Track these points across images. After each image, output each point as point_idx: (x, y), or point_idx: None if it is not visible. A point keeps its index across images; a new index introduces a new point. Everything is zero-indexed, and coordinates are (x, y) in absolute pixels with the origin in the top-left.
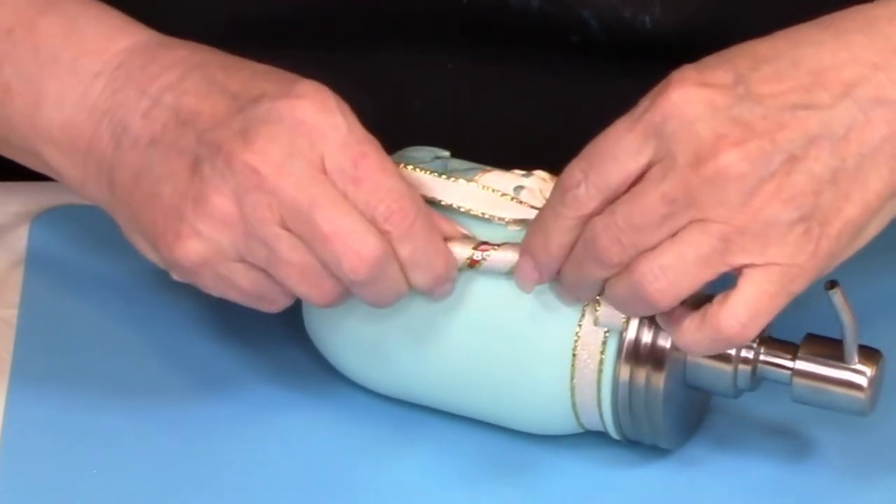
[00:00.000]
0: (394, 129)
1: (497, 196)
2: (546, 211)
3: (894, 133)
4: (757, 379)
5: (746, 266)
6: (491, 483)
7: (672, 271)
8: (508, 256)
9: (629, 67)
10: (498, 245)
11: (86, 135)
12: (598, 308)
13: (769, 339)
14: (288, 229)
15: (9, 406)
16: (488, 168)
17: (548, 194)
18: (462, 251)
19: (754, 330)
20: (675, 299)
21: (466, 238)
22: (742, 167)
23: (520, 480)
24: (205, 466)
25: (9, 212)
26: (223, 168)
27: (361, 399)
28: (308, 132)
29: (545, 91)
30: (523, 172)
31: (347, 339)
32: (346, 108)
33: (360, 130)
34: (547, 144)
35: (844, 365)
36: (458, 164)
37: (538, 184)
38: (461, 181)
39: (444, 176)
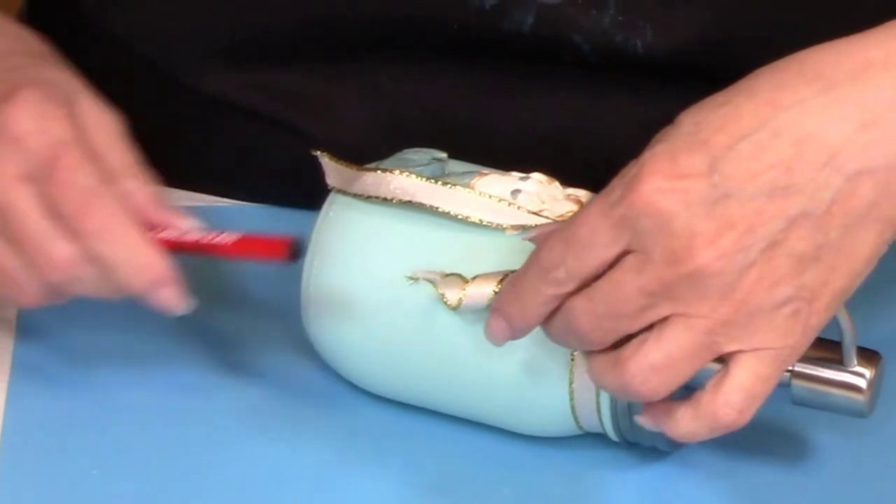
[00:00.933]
0: (391, 138)
1: (494, 202)
2: (525, 282)
3: (880, 198)
4: None
5: (736, 352)
6: (491, 483)
7: (661, 370)
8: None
9: (622, 81)
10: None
11: None
12: None
13: None
14: None
15: (9, 406)
16: (486, 170)
17: (545, 197)
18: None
19: (751, 413)
20: (666, 393)
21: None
22: (720, 264)
23: (520, 480)
24: (205, 466)
25: None
26: None
27: (360, 399)
28: (11, 139)
29: (540, 99)
30: (521, 175)
31: (346, 341)
32: (56, 111)
33: (59, 132)
34: (543, 152)
35: (843, 367)
36: (456, 165)
37: (535, 186)
38: (458, 188)
39: (440, 182)
